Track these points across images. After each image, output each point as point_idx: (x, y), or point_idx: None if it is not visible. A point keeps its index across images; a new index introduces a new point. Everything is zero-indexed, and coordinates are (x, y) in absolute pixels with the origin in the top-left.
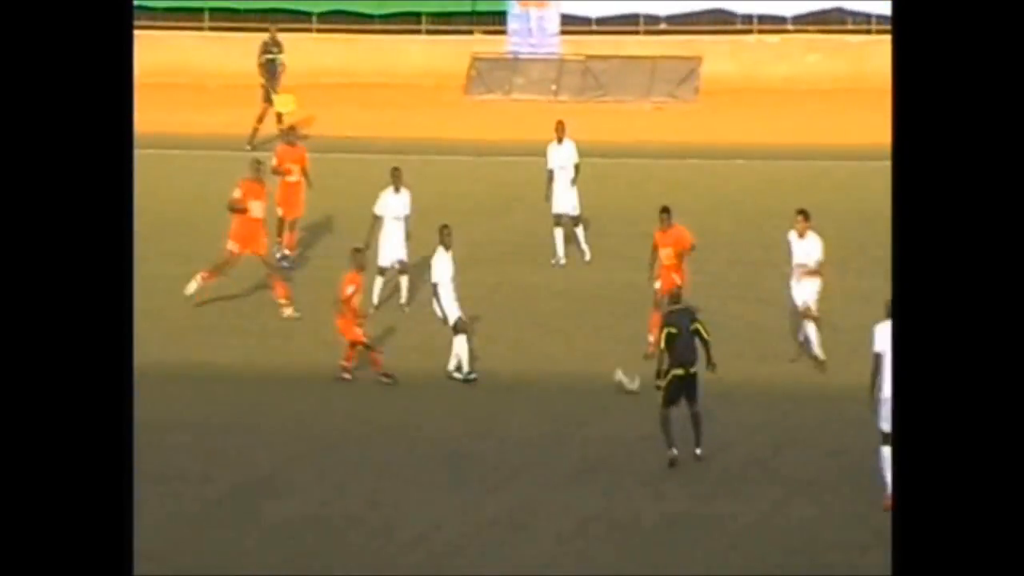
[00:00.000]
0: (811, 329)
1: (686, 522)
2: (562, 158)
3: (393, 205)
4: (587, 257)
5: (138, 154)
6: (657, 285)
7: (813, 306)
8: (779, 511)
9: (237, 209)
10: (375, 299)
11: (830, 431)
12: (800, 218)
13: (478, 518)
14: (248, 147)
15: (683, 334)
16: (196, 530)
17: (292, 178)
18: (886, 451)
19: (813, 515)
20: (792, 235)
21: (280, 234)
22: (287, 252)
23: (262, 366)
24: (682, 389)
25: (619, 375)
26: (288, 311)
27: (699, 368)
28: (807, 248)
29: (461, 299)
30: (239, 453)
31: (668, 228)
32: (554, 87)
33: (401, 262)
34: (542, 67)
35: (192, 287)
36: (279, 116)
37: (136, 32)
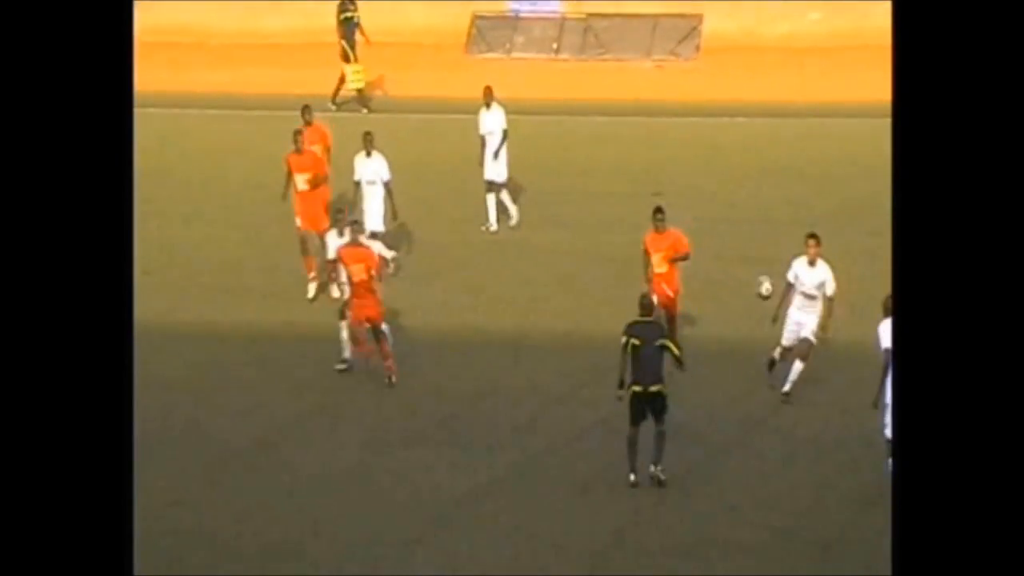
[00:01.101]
0: (797, 366)
1: (688, 482)
2: (490, 124)
3: (364, 170)
4: (514, 222)
5: (139, 113)
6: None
7: (812, 338)
8: (780, 470)
9: (290, 186)
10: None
11: (831, 389)
12: (811, 243)
13: (479, 477)
14: (332, 107)
15: (647, 347)
16: (201, 489)
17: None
18: None
19: (814, 474)
20: (800, 262)
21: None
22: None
23: (262, 326)
24: (646, 406)
25: (763, 285)
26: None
27: (666, 387)
28: (817, 277)
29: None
30: (238, 414)
31: (663, 231)
32: (555, 46)
33: (373, 232)
34: (543, 25)
35: (312, 290)
36: (358, 91)
37: None
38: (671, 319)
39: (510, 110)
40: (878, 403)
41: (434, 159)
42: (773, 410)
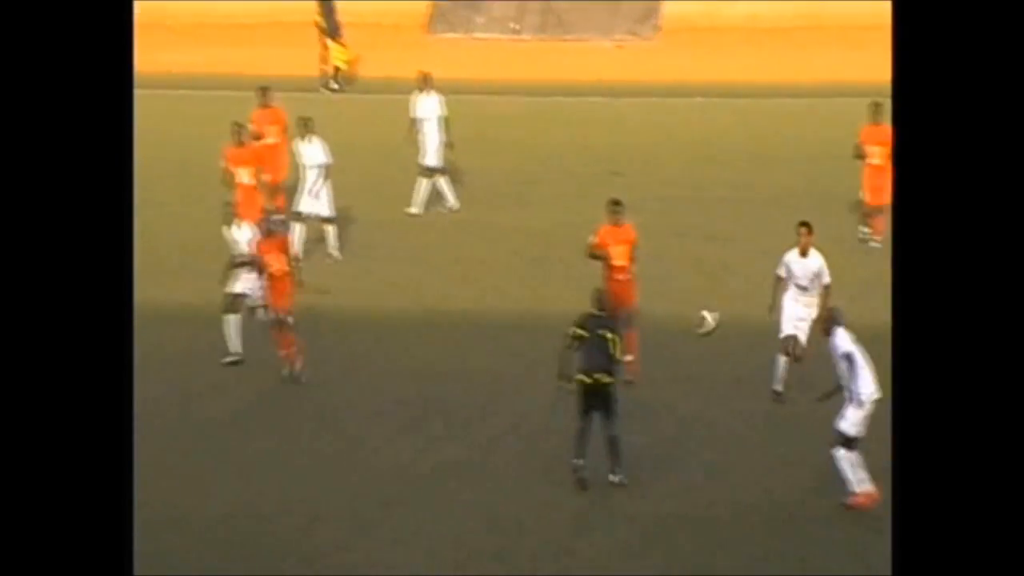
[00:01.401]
0: (781, 360)
1: (649, 460)
2: (426, 109)
3: (302, 154)
4: (455, 206)
5: None
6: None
7: (803, 337)
8: (741, 448)
9: (230, 180)
10: (297, 247)
11: (794, 369)
12: (803, 231)
13: (441, 457)
14: (335, 86)
15: (592, 339)
16: (165, 467)
17: (270, 140)
18: (843, 453)
19: (775, 452)
20: (791, 254)
21: (268, 198)
22: (279, 216)
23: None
24: (594, 400)
25: (706, 318)
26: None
27: (615, 381)
28: (810, 267)
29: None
30: (209, 390)
31: (621, 224)
32: (515, 25)
33: (314, 215)
34: (503, 5)
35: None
36: (335, 68)
37: None
38: (628, 313)
39: (471, 90)
40: (843, 395)
41: (394, 140)
42: (733, 388)
